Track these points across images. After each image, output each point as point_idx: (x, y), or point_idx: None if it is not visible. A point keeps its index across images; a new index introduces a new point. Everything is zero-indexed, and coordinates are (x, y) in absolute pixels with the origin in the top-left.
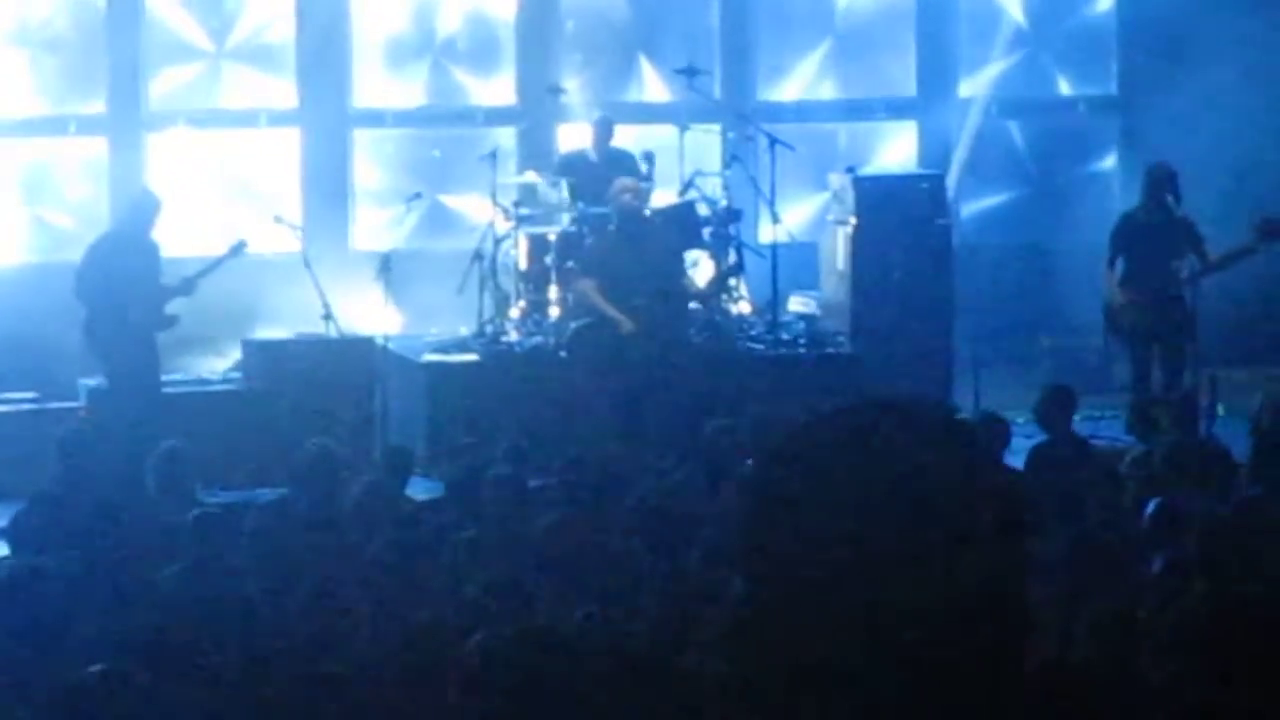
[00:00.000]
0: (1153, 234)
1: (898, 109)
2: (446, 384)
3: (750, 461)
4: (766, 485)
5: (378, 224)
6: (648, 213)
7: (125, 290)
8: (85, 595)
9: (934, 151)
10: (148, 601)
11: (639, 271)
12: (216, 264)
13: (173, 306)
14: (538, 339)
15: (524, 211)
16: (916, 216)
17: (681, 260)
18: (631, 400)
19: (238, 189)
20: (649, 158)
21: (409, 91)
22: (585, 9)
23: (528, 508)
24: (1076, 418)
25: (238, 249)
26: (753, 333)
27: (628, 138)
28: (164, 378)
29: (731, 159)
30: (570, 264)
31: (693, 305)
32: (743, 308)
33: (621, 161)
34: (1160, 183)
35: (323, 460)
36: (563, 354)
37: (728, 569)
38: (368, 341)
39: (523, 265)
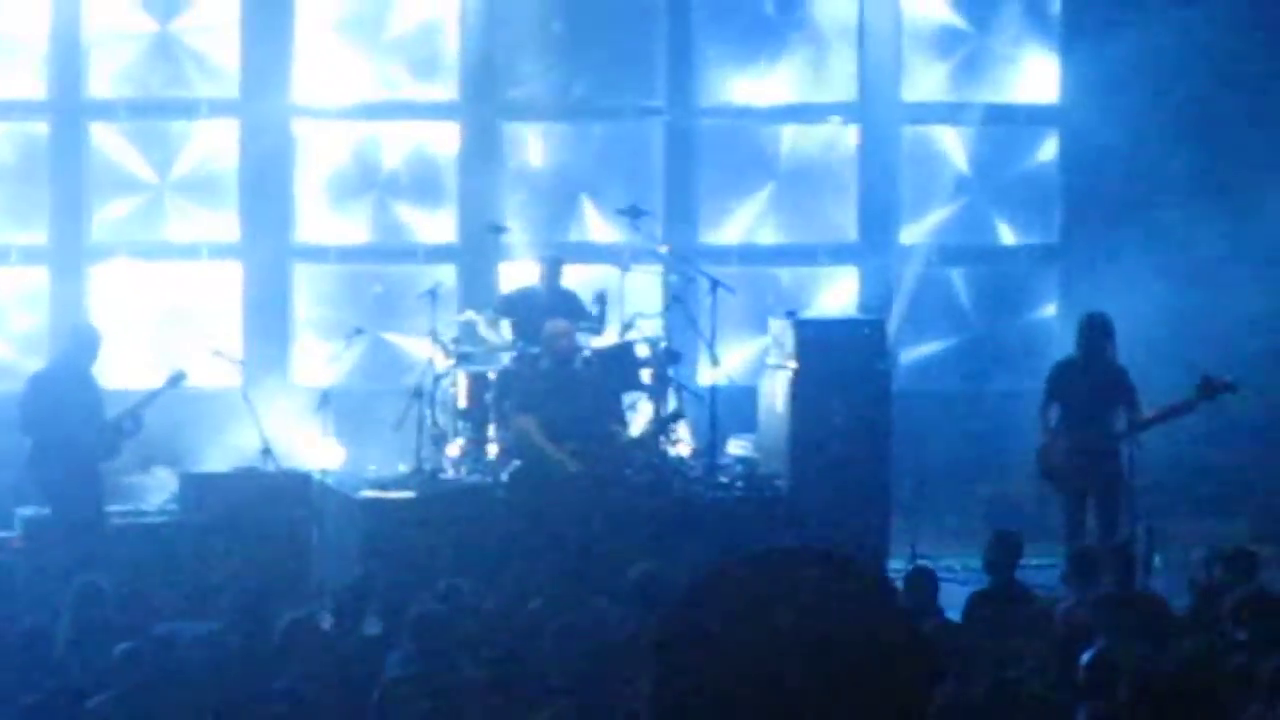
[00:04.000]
0: (1088, 382)
1: (839, 254)
2: (383, 521)
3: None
4: (679, 627)
5: (318, 359)
6: (585, 354)
7: (72, 424)
8: None
9: (875, 297)
10: None
11: (572, 413)
12: (155, 395)
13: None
14: (475, 477)
15: (464, 349)
16: (856, 362)
17: (619, 401)
18: (567, 541)
19: (179, 321)
20: (601, 298)
21: (351, 227)
22: (528, 147)
23: (456, 648)
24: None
25: (176, 380)
26: (691, 475)
27: (569, 277)
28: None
29: (673, 300)
30: (508, 403)
31: (631, 447)
32: (682, 449)
33: (568, 301)
34: (1096, 331)
35: (252, 597)
36: (500, 493)
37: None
38: (305, 476)
39: (462, 403)
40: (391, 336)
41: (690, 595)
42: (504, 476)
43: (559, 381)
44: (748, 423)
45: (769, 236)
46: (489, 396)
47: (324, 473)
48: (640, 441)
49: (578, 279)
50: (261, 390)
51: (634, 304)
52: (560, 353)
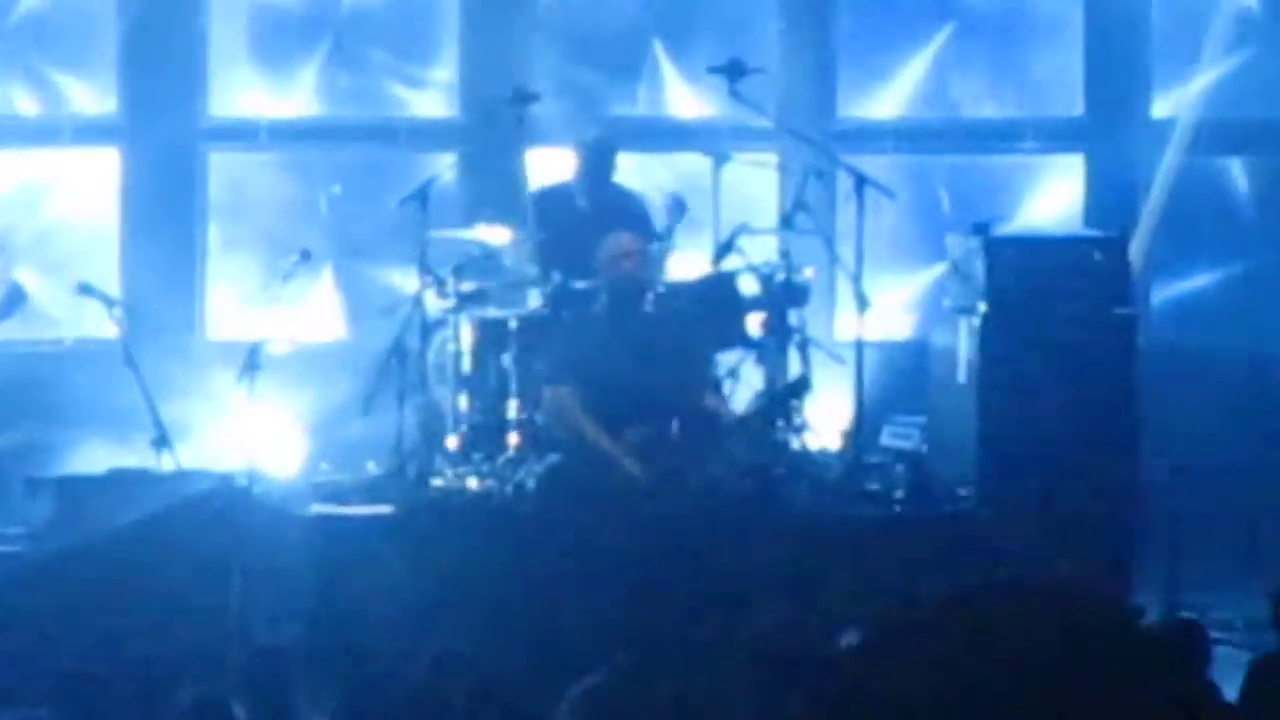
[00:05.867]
0: None
1: (1056, 135)
2: (343, 550)
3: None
4: (849, 699)
5: (244, 298)
6: (660, 289)
7: None
8: None
9: (1111, 201)
10: None
11: (643, 381)
12: None
13: None
14: (489, 483)
15: (469, 285)
16: (1084, 301)
17: (711, 364)
18: (626, 582)
19: (26, 240)
20: (677, 205)
21: (295, 96)
22: None
23: None
24: None
25: (14, 299)
26: (825, 478)
27: (635, 172)
28: None
29: (796, 208)
30: (537, 366)
31: (730, 436)
32: (810, 440)
33: (626, 209)
34: None
35: (131, 671)
36: (524, 509)
37: None
38: (225, 482)
39: (466, 367)
40: (358, 263)
41: (856, 659)
42: (530, 483)
43: (618, 333)
44: (914, 398)
45: (945, 109)
46: (507, 356)
47: (251, 475)
48: (744, 426)
49: (644, 174)
50: (156, 347)
51: (736, 213)
52: (623, 281)
